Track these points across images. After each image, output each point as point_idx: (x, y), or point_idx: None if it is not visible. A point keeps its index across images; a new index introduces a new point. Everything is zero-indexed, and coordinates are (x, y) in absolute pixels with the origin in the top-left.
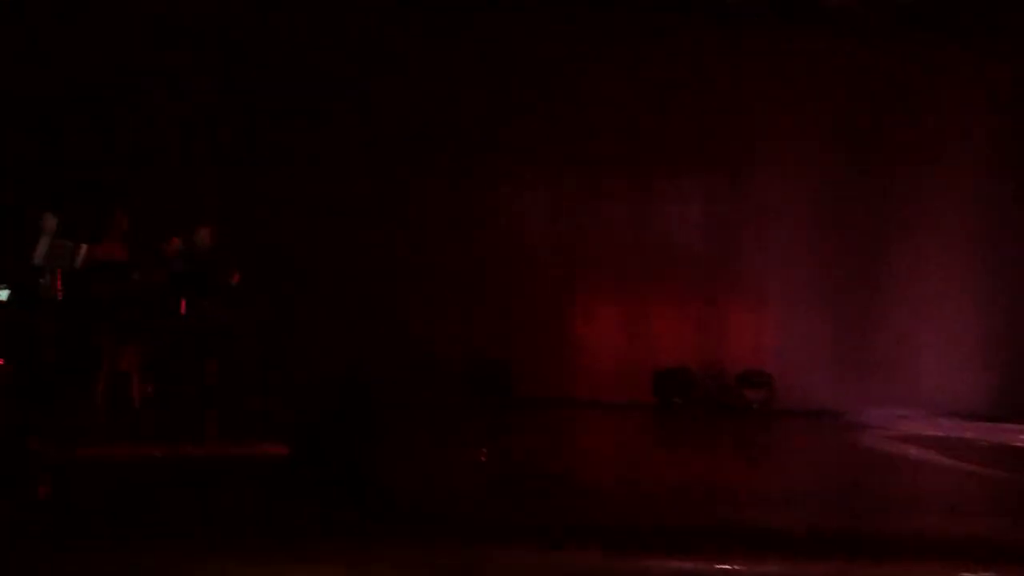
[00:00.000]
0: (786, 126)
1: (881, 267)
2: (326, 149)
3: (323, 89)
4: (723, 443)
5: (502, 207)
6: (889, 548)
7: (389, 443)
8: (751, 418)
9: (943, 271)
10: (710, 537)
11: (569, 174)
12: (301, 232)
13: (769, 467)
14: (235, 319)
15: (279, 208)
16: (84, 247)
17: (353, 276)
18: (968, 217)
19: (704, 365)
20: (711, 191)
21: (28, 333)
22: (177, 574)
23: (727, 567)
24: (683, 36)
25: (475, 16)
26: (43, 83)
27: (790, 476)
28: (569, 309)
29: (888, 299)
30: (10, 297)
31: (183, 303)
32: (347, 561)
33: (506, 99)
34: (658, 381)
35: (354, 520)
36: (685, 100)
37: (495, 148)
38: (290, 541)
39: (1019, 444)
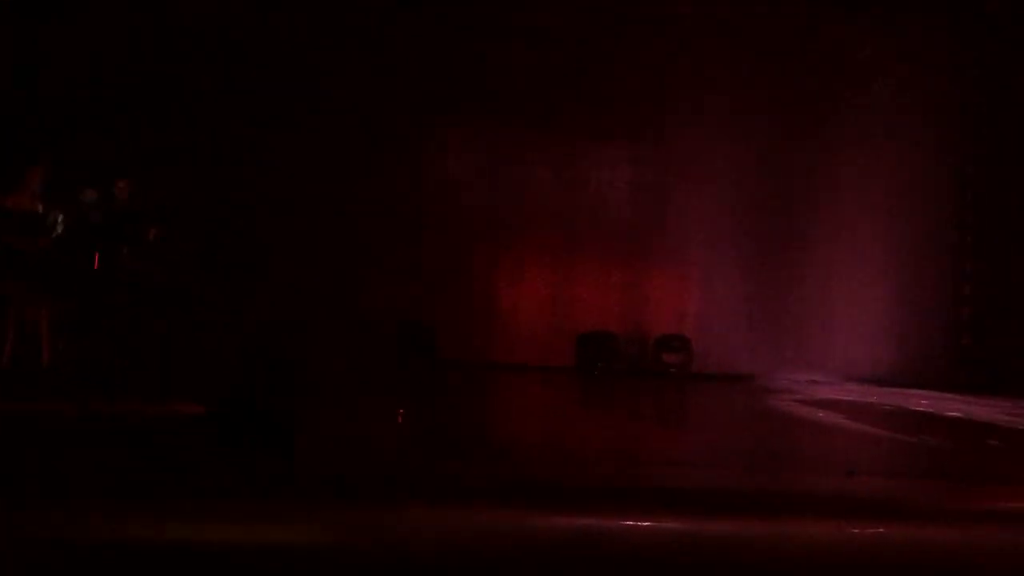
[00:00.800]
0: (712, 94)
1: (797, 237)
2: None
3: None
4: (638, 406)
5: (429, 172)
6: (786, 506)
7: (311, 404)
8: (669, 382)
9: (855, 243)
10: (617, 495)
11: (497, 139)
12: (255, 200)
13: (680, 429)
14: (157, 275)
15: (243, 180)
16: None
17: (298, 244)
18: (881, 193)
19: (626, 330)
20: (635, 156)
21: None
22: (88, 534)
23: (630, 523)
24: None
25: None
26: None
27: (699, 437)
28: (494, 273)
29: (803, 268)
30: None
31: (96, 257)
32: (258, 519)
33: (437, 64)
34: (580, 345)
35: (268, 478)
36: (610, 64)
37: (425, 112)
38: (201, 499)
39: (919, 409)
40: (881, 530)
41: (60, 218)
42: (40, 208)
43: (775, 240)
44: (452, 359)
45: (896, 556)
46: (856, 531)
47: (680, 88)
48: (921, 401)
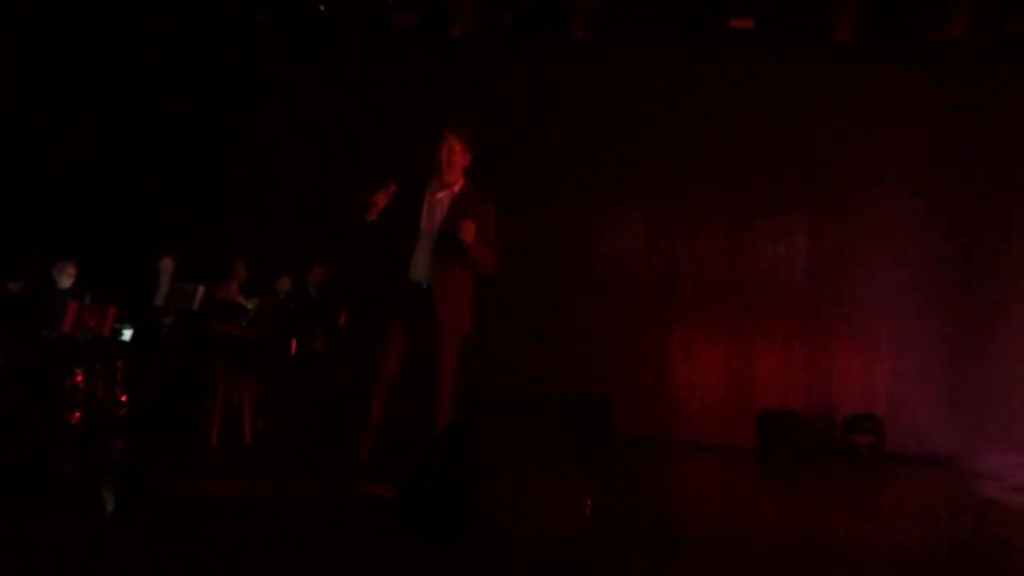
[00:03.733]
0: (894, 159)
1: (997, 305)
2: None
3: None
4: (831, 491)
5: (599, 242)
6: None
7: (488, 481)
8: (860, 464)
9: None
10: None
11: (666, 212)
12: None
13: (879, 518)
14: (344, 358)
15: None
16: (202, 288)
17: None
18: None
19: (809, 408)
20: (815, 226)
21: (148, 370)
22: None
23: None
24: (785, 68)
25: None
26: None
27: (902, 529)
28: (669, 347)
29: (1006, 338)
30: (132, 336)
31: (293, 342)
32: None
33: (601, 132)
34: (762, 424)
35: (457, 568)
36: (787, 133)
37: (593, 184)
38: None
39: None
40: None
41: (261, 305)
42: (243, 297)
43: (972, 309)
44: (625, 434)
45: None
46: None
47: (862, 153)
48: None
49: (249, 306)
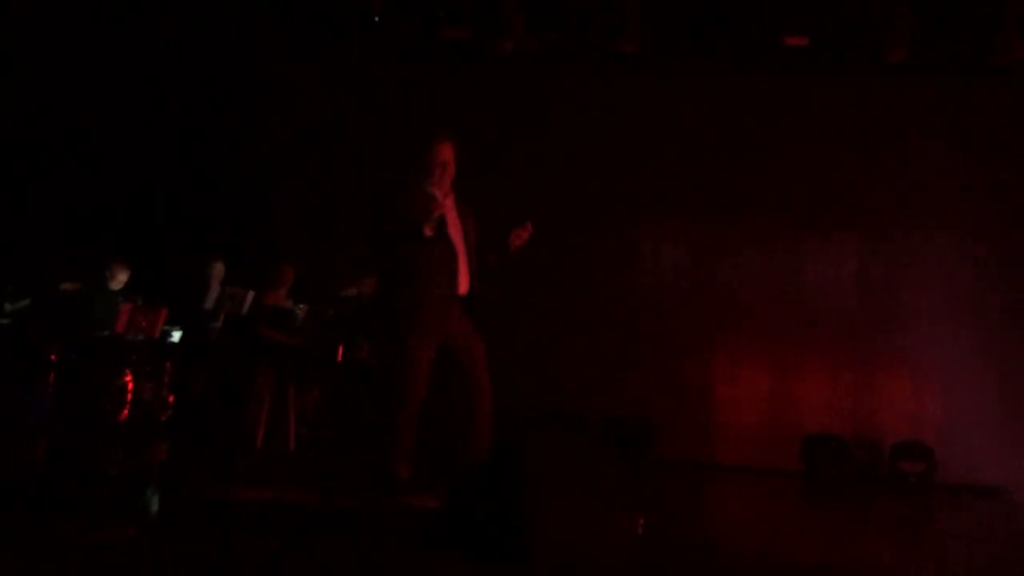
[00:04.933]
0: (950, 185)
1: None
2: None
3: None
4: (877, 520)
5: (642, 261)
6: None
7: (536, 503)
8: (907, 493)
9: None
10: None
11: (712, 231)
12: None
13: (925, 549)
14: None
15: None
16: (251, 293)
17: (511, 333)
18: None
19: (855, 433)
20: (866, 250)
21: (195, 373)
22: None
23: None
24: (838, 89)
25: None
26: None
27: (948, 560)
28: (712, 369)
29: None
30: (181, 339)
31: (340, 350)
32: None
33: (645, 149)
34: (807, 448)
35: None
36: (839, 154)
37: (637, 202)
38: None
39: None
40: None
41: (308, 312)
42: (290, 303)
43: None
44: (668, 456)
45: None
46: None
47: (916, 180)
48: None
49: (298, 311)
